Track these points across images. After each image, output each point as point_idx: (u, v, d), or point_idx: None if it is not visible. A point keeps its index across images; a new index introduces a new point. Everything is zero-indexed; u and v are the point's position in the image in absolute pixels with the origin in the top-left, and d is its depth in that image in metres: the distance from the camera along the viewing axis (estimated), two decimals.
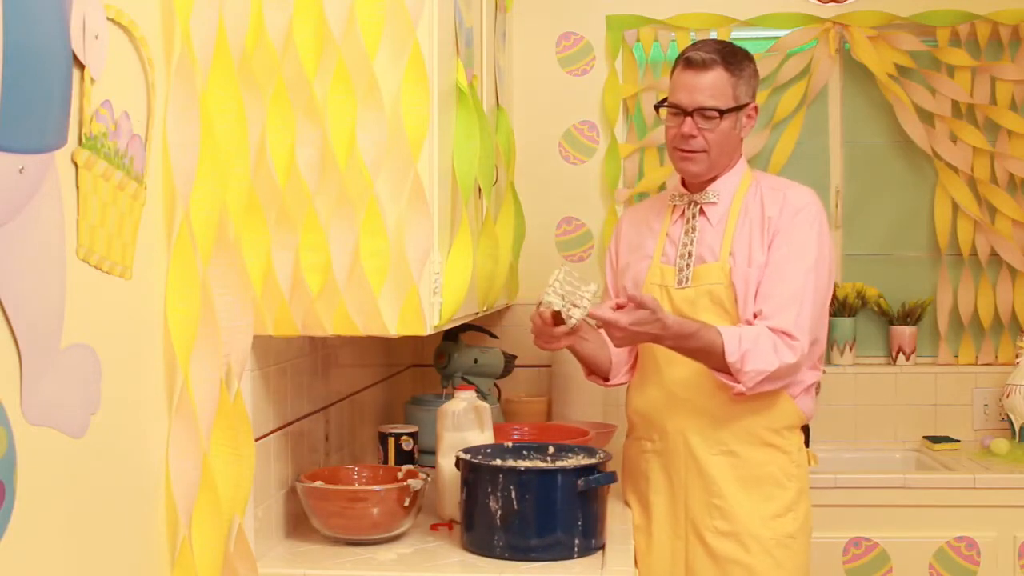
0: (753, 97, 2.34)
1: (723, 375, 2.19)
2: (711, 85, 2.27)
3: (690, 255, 2.33)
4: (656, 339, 2.14)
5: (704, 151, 2.29)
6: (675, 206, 2.41)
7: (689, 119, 2.26)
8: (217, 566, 1.65)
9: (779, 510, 2.27)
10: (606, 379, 2.44)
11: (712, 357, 2.17)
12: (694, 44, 2.34)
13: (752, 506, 2.26)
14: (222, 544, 1.66)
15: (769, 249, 2.25)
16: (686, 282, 2.31)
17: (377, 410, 2.84)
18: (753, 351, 2.16)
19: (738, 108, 2.30)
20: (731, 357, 2.15)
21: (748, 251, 2.27)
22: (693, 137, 2.27)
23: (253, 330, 1.77)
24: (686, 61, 2.29)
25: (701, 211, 2.35)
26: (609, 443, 2.88)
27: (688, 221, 2.36)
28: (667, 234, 2.39)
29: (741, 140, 2.36)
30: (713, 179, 2.35)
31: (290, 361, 2.08)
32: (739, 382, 2.17)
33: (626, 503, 2.44)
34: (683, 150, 2.30)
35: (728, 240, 2.30)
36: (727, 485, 2.27)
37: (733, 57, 2.29)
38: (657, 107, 2.37)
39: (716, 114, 2.26)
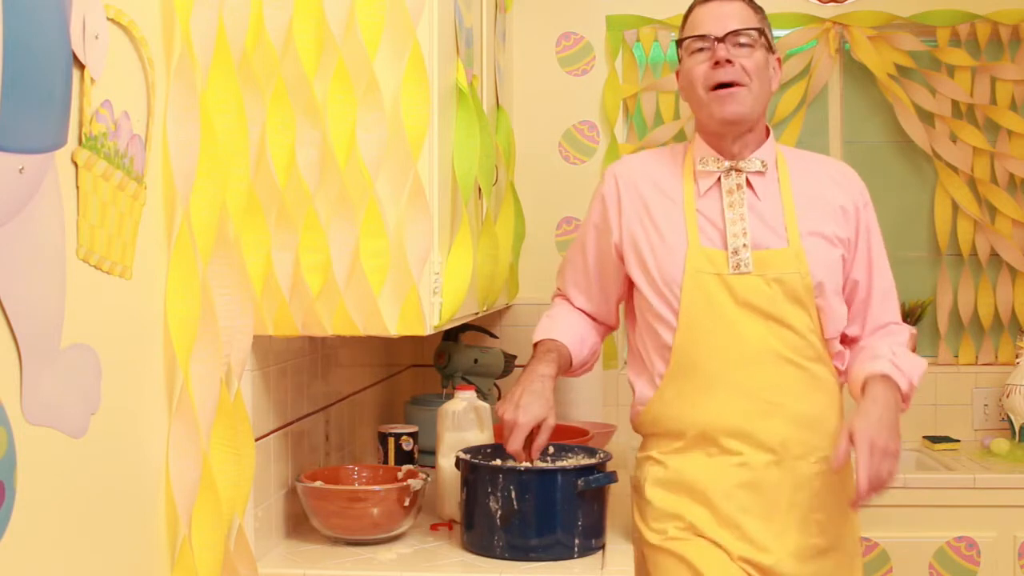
0: (775, 49, 2.07)
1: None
2: (740, 11, 2.01)
3: (744, 235, 1.98)
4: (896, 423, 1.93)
5: (744, 85, 1.97)
6: (700, 172, 2.04)
7: (722, 44, 1.96)
8: (217, 566, 1.65)
9: (857, 519, 2.06)
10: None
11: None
12: None
13: (843, 517, 2.02)
14: (222, 544, 1.66)
15: (867, 247, 2.09)
16: (746, 267, 1.96)
17: (377, 410, 2.84)
18: (907, 361, 2.02)
19: (768, 44, 2.02)
20: (904, 386, 1.99)
21: (821, 232, 2.00)
22: (730, 64, 1.96)
23: (253, 330, 1.78)
24: None
25: (748, 183, 2.02)
26: (609, 443, 2.88)
27: (730, 194, 2.01)
28: (698, 209, 2.02)
29: (771, 95, 2.07)
30: (750, 145, 2.04)
31: (290, 361, 2.08)
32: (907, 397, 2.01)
33: (679, 516, 1.99)
34: (721, 84, 1.97)
35: (794, 220, 2.00)
36: (826, 496, 1.99)
37: (753, 1, 2.06)
38: (679, 42, 2.05)
39: (752, 36, 1.98)
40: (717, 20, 1.99)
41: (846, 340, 2.12)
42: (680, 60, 2.06)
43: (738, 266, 1.97)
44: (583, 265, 2.16)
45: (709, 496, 1.97)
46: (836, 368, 2.06)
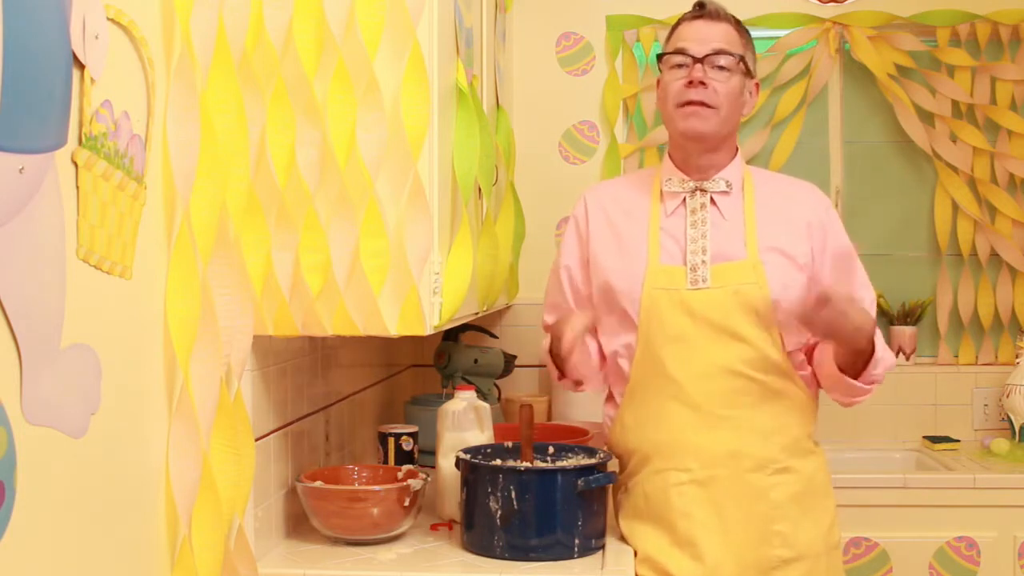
0: (755, 75, 2.12)
1: (851, 378, 1.99)
2: (725, 34, 2.03)
3: (704, 251, 2.02)
4: (863, 325, 1.91)
5: (714, 107, 2.01)
6: (666, 193, 2.09)
7: (699, 65, 2.00)
8: (217, 566, 1.65)
9: (830, 521, 2.07)
10: (581, 383, 2.16)
11: (863, 354, 1.98)
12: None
13: (811, 524, 2.02)
14: (222, 544, 1.66)
15: (822, 252, 2.06)
16: (703, 282, 2.00)
17: (377, 410, 2.84)
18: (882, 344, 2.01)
19: (747, 70, 2.06)
20: (879, 351, 1.97)
21: (782, 250, 2.02)
22: (704, 86, 1.99)
23: (253, 330, 1.77)
24: (698, 8, 2.06)
25: (712, 201, 2.06)
26: None
27: (694, 212, 2.05)
28: (662, 228, 2.07)
29: (740, 120, 2.11)
30: (715, 165, 2.07)
31: (290, 361, 2.08)
32: (871, 382, 2.01)
33: (643, 552, 2.03)
34: (691, 103, 2.00)
35: (754, 235, 2.03)
36: (788, 507, 2.00)
37: (741, 25, 2.09)
38: (660, 56, 2.08)
39: (731, 61, 2.01)
40: (700, 40, 2.03)
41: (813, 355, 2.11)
42: (661, 71, 2.10)
43: (696, 282, 2.01)
44: (562, 289, 2.18)
45: (665, 517, 2.01)
46: (803, 379, 2.07)
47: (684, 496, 2.00)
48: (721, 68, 2.01)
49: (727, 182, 2.07)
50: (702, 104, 2.01)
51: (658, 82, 2.13)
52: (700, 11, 2.07)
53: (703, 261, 2.02)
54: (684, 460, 2.01)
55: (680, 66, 2.03)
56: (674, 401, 2.02)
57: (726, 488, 1.99)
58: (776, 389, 2.02)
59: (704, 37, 2.03)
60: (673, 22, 2.11)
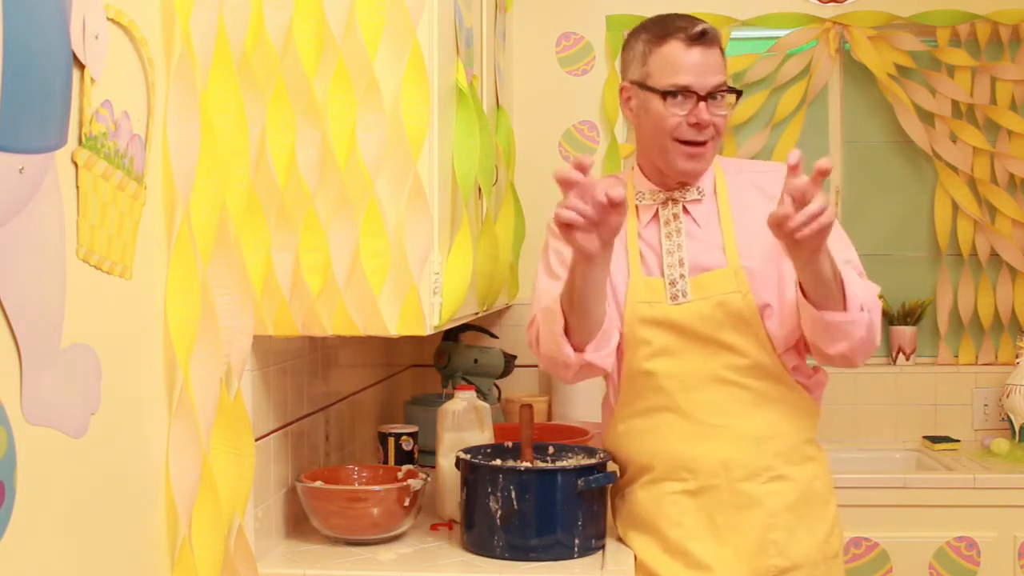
0: None
1: (837, 312, 1.83)
2: (718, 61, 1.95)
3: (681, 264, 1.97)
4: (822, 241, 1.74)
5: (713, 141, 1.97)
6: (639, 206, 2.04)
7: (703, 104, 1.92)
8: (217, 566, 1.65)
9: (828, 530, 2.03)
10: (582, 348, 1.91)
11: (835, 287, 1.82)
12: (677, 17, 1.98)
13: (807, 533, 1.99)
14: (222, 544, 1.66)
15: None
16: (683, 296, 1.96)
17: (377, 410, 2.84)
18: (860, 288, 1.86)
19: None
20: (850, 294, 1.82)
21: (763, 248, 1.93)
22: (707, 127, 1.93)
23: (253, 330, 1.78)
24: (700, 35, 1.93)
25: (684, 210, 2.01)
26: None
27: (668, 224, 2.01)
28: (640, 237, 2.02)
29: None
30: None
31: (290, 361, 2.08)
32: (859, 309, 1.84)
33: (638, 558, 2.03)
34: (695, 143, 1.94)
35: (732, 240, 1.97)
36: (782, 516, 1.96)
37: (721, 45, 2.00)
38: (665, 94, 1.93)
39: (731, 96, 1.95)
40: (700, 72, 1.93)
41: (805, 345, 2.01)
42: (641, 84, 1.98)
43: (676, 296, 1.96)
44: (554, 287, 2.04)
45: (657, 525, 2.00)
46: (801, 383, 2.01)
47: (677, 506, 1.98)
48: (718, 98, 1.95)
49: (699, 189, 2.01)
50: (705, 144, 1.96)
51: (622, 89, 2.03)
52: (702, 38, 1.94)
53: (681, 275, 1.97)
54: (677, 471, 1.99)
55: (677, 95, 1.94)
56: (666, 412, 1.99)
57: (719, 498, 1.97)
58: (770, 395, 1.99)
59: (704, 69, 1.93)
60: None
